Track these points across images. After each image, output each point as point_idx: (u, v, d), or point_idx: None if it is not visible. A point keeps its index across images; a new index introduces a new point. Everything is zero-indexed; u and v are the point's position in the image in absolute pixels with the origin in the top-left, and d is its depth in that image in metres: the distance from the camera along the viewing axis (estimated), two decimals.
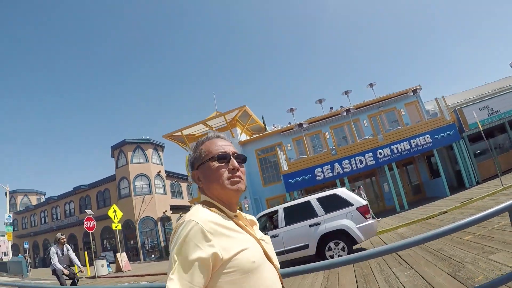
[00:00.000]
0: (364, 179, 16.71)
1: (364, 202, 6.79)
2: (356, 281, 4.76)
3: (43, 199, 35.52)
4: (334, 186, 14.90)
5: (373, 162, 13.43)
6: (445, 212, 9.49)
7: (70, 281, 7.19)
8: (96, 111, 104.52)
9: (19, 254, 27.17)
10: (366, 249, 7.37)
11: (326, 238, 6.61)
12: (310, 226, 6.76)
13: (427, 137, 13.48)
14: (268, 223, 7.73)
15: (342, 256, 6.38)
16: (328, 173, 13.52)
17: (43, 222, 31.41)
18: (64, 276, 6.95)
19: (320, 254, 6.66)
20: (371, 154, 13.46)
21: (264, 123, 20.33)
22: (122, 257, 16.35)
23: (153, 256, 23.13)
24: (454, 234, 5.97)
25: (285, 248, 6.80)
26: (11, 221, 24.88)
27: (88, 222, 15.76)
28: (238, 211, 1.00)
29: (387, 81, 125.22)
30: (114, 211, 16.68)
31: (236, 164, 0.95)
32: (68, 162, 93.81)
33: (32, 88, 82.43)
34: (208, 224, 0.82)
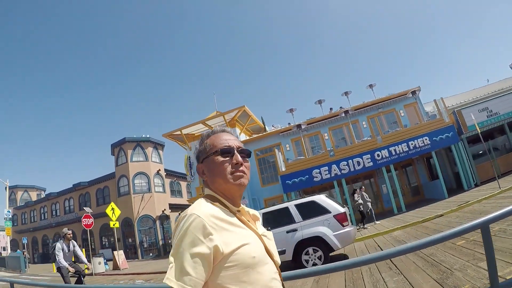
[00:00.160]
0: (363, 180, 16.68)
1: (342, 210, 6.80)
2: (345, 285, 4.76)
3: (43, 195, 35.66)
4: (331, 187, 14.93)
5: (371, 163, 13.39)
6: (441, 215, 9.46)
7: (75, 278, 6.81)
8: (98, 110, 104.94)
9: (18, 250, 27.30)
10: (347, 256, 7.40)
11: (302, 245, 6.65)
12: (288, 232, 6.78)
13: (426, 139, 13.43)
14: None
15: (317, 264, 6.44)
16: (326, 174, 13.50)
17: (42, 218, 31.56)
18: (69, 274, 6.57)
19: (296, 260, 6.70)
20: (369, 155, 13.41)
21: (263, 123, 20.31)
22: (120, 255, 16.43)
23: (151, 254, 23.21)
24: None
25: None
26: (11, 216, 25.01)
27: (86, 219, 15.80)
28: (241, 205, 1.00)
29: (388, 82, 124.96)
30: (112, 209, 16.71)
31: (240, 158, 0.95)
32: (69, 159, 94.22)
33: (33, 87, 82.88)
34: (210, 218, 0.82)
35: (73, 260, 7.03)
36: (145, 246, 23.52)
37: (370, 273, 5.09)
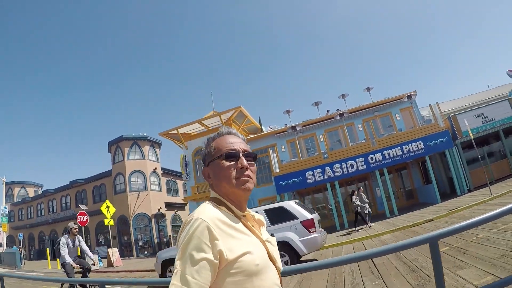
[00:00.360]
0: (357, 183, 16.73)
1: (309, 216, 6.89)
2: (326, 287, 4.81)
3: (40, 191, 35.71)
4: (325, 189, 14.98)
5: (365, 167, 13.44)
6: (431, 220, 9.51)
7: (80, 274, 6.49)
8: (97, 108, 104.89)
9: (14, 246, 27.34)
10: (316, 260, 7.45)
11: None
12: None
13: (420, 143, 13.47)
14: None
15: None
16: (319, 176, 13.55)
17: (39, 214, 31.61)
18: (74, 270, 6.21)
19: None
20: (362, 158, 13.46)
21: (260, 124, 20.35)
22: (114, 252, 16.50)
23: (146, 252, 23.26)
24: None
25: None
26: (7, 212, 25.04)
27: (81, 216, 15.87)
28: (248, 209, 1.00)
29: (388, 84, 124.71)
30: (107, 206, 16.77)
31: (245, 162, 0.94)
32: (66, 156, 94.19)
33: (32, 86, 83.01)
34: (216, 222, 0.82)
35: (78, 254, 6.73)
36: (140, 244, 23.58)
37: (352, 276, 5.14)
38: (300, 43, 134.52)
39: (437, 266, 1.61)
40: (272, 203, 7.98)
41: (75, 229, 6.47)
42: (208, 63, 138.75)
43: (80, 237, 6.63)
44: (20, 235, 26.44)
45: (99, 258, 16.60)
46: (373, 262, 5.73)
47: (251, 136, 19.04)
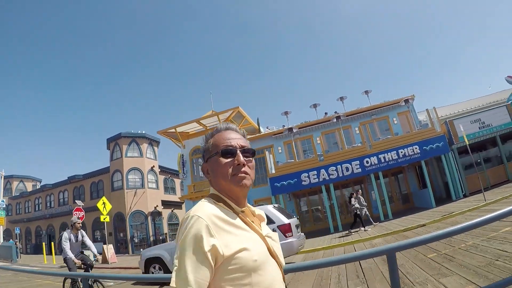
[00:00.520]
0: (353, 186, 16.74)
1: (286, 221, 7.01)
2: None
3: (38, 186, 35.79)
4: (320, 191, 14.99)
5: (360, 170, 13.45)
6: (423, 225, 9.52)
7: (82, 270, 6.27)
8: (97, 105, 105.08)
9: (11, 240, 27.41)
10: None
11: None
12: None
13: (416, 148, 13.47)
14: None
15: None
16: (314, 178, 13.56)
17: (36, 209, 31.69)
18: (76, 266, 6.00)
19: None
20: (357, 162, 13.47)
21: (258, 124, 20.36)
22: (109, 249, 16.53)
23: (141, 249, 23.25)
24: (419, 250, 6.08)
25: None
26: (4, 206, 25.11)
27: (77, 212, 15.90)
28: (248, 204, 0.99)
29: (388, 87, 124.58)
30: (104, 203, 16.81)
31: (242, 159, 0.92)
32: (65, 151, 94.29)
33: (33, 82, 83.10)
34: (212, 219, 0.82)
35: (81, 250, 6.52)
36: (136, 241, 23.63)
37: (338, 280, 5.18)
38: (301, 44, 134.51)
39: (394, 277, 1.64)
40: (258, 205, 8.02)
41: (79, 223, 6.24)
42: (209, 63, 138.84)
43: (84, 232, 6.43)
44: (17, 229, 26.52)
45: (94, 254, 16.63)
46: (360, 266, 5.76)
47: (248, 136, 18.97)
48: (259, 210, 1.03)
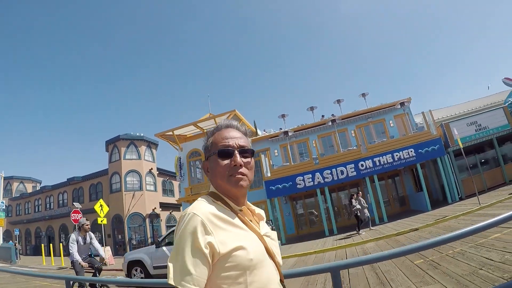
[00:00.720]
0: (349, 188, 16.74)
1: None
2: None
3: (38, 187, 35.92)
4: (316, 194, 14.97)
5: (355, 173, 13.45)
6: (416, 229, 9.53)
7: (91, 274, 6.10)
8: (96, 107, 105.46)
9: (10, 241, 27.53)
10: None
11: None
12: None
13: (411, 151, 13.47)
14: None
15: None
16: (309, 182, 13.58)
17: (36, 210, 31.79)
18: (83, 269, 5.79)
19: None
20: (352, 165, 13.48)
21: (255, 127, 20.40)
22: (106, 251, 16.58)
23: None
24: (407, 256, 6.09)
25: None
26: (4, 207, 25.24)
27: (75, 214, 15.98)
28: (248, 203, 0.99)
29: (385, 90, 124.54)
30: (101, 205, 16.87)
31: (239, 160, 0.91)
32: (65, 153, 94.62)
33: (33, 83, 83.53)
34: (209, 217, 0.82)
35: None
36: (134, 243, 23.68)
37: (324, 285, 5.21)
38: (299, 47, 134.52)
39: None
40: None
41: (87, 225, 6.00)
42: (207, 66, 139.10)
43: (92, 234, 6.19)
44: (17, 230, 26.63)
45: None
46: (348, 271, 5.78)
47: None
48: (258, 209, 1.03)
